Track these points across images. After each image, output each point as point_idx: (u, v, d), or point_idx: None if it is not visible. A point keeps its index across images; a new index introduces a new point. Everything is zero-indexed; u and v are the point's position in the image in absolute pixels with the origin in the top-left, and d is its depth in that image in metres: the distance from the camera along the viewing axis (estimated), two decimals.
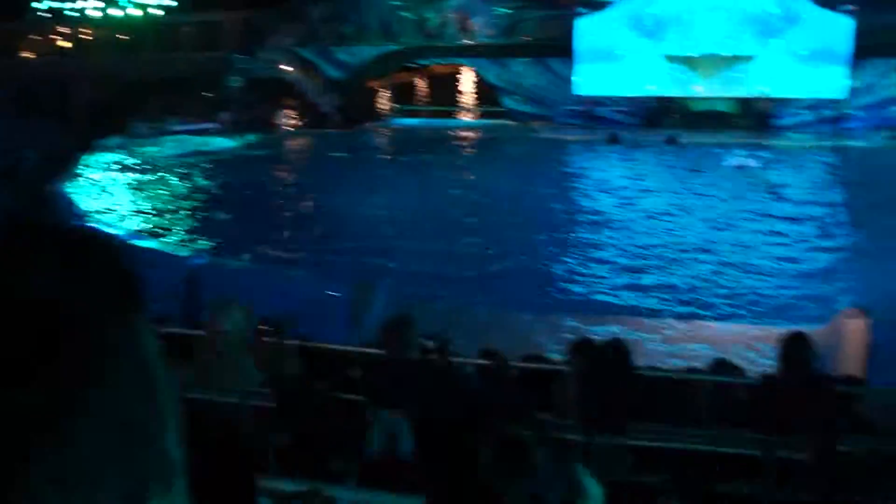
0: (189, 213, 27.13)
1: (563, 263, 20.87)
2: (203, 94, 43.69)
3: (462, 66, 50.26)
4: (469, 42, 45.05)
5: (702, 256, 21.42)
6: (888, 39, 38.91)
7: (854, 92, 39.35)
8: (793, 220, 24.91)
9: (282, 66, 44.66)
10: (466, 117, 48.29)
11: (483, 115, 47.08)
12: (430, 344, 7.02)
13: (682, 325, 16.21)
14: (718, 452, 6.01)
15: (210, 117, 42.38)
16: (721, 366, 8.77)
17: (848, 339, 12.52)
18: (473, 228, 23.81)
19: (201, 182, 32.18)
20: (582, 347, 7.18)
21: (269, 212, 27.04)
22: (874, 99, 39.49)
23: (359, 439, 5.51)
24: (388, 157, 38.16)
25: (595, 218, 25.60)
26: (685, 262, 21.03)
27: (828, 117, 39.55)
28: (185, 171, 33.88)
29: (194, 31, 47.20)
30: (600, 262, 21.05)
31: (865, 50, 38.73)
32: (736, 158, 32.93)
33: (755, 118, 40.13)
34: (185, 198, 29.53)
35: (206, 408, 5.62)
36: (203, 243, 22.94)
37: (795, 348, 6.35)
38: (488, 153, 38.03)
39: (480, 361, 7.93)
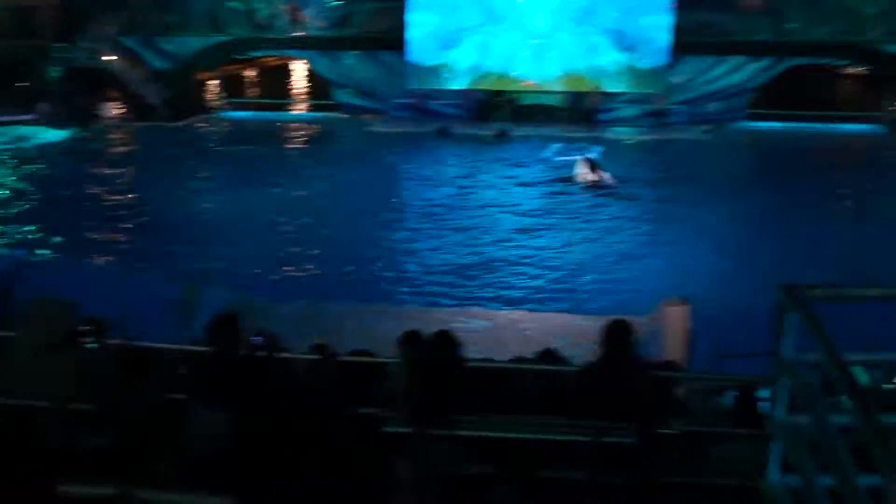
0: (2, 209, 25.79)
1: (392, 259, 20.95)
2: (18, 84, 41.50)
3: (293, 58, 49.54)
4: (300, 34, 44.47)
5: (520, 251, 21.92)
6: (705, 36, 40.94)
7: (674, 88, 41.03)
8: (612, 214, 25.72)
9: (103, 56, 42.90)
10: (298, 110, 47.66)
11: (315, 108, 46.54)
12: (259, 340, 6.88)
13: (509, 316, 16.58)
14: (547, 440, 6.10)
15: (27, 108, 40.30)
16: (547, 355, 8.95)
17: (669, 326, 13.05)
18: (302, 225, 23.68)
19: (14, 176, 30.59)
20: (409, 339, 7.20)
21: (90, 208, 26.02)
22: (693, 94, 41.33)
23: (180, 439, 5.34)
24: (218, 150, 37.32)
25: (422, 212, 25.80)
26: (509, 256, 21.51)
27: (650, 112, 41.06)
28: None
29: (7, 17, 44.75)
30: (427, 257, 21.25)
31: (684, 47, 40.46)
32: (551, 152, 33.92)
33: (582, 112, 41.23)
34: None
35: (12, 412, 5.32)
36: (19, 240, 21.90)
37: (617, 335, 6.52)
38: (319, 147, 37.73)
39: (308, 356, 7.85)
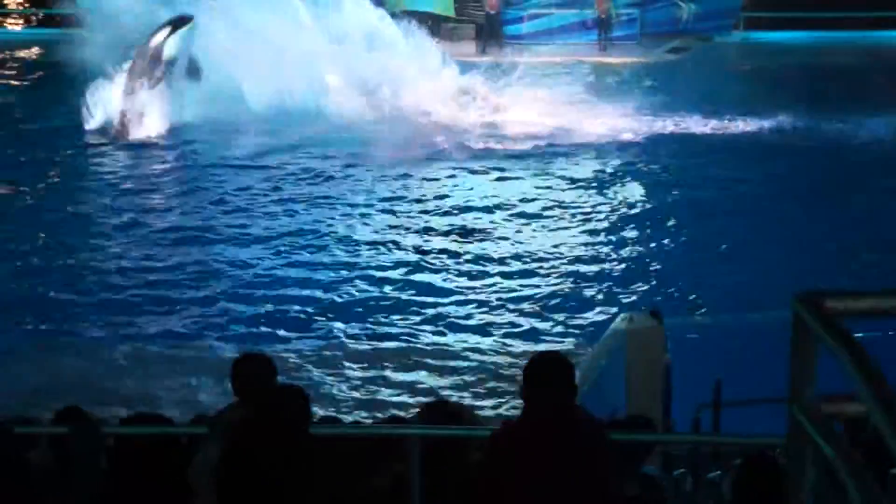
0: None
1: None
2: None
3: None
4: None
5: None
6: None
7: None
8: None
9: None
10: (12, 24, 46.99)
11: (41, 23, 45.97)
12: None
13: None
14: None
15: None
16: (437, 409, 8.96)
17: (633, 357, 13.19)
18: None
19: None
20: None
21: None
22: None
23: None
24: None
25: None
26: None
27: (586, 20, 41.56)
28: None
29: None
30: None
31: None
32: None
33: (480, 22, 41.67)
34: None
35: None
36: None
37: (549, 378, 6.56)
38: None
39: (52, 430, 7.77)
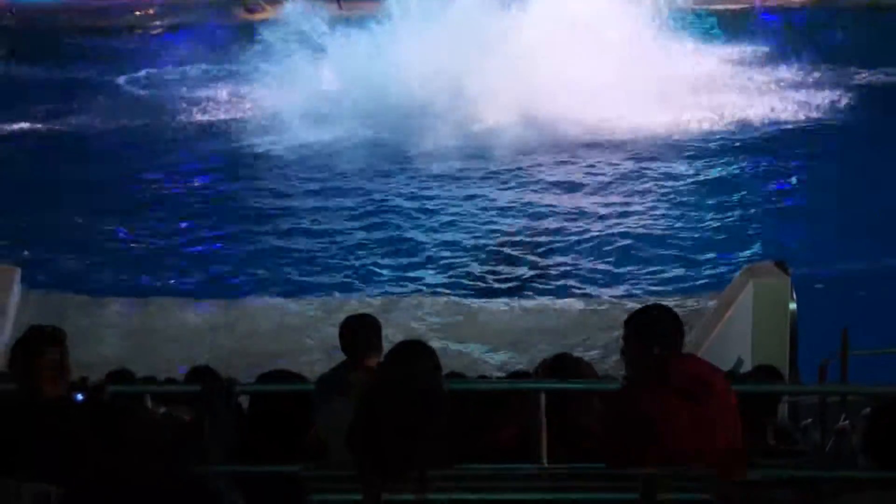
0: None
1: None
2: None
3: None
4: None
5: None
6: None
7: None
8: None
9: None
10: None
11: None
12: (79, 398, 6.88)
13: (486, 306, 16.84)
14: (572, 501, 6.17)
15: None
16: (560, 362, 8.93)
17: (758, 309, 13.10)
18: None
19: None
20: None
21: None
22: None
23: None
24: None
25: None
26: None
27: None
28: None
29: None
30: None
31: None
32: None
33: None
34: None
35: None
36: None
37: (659, 330, 6.49)
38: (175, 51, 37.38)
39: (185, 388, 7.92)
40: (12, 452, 6.05)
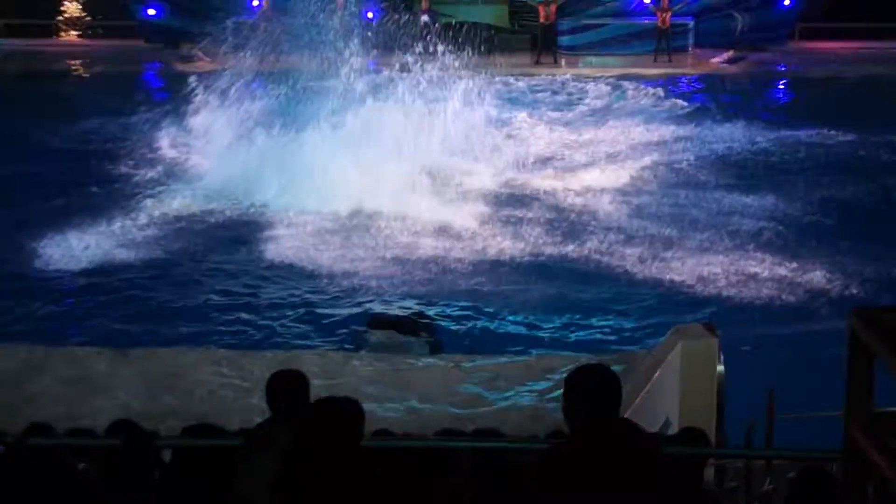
0: None
1: None
2: None
3: None
4: None
5: None
6: None
7: None
8: None
9: None
10: (72, 36, 47.10)
11: (98, 35, 46.01)
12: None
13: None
14: None
15: None
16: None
17: (686, 370, 13.15)
18: None
19: None
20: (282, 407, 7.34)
21: None
22: (707, 2, 41.84)
23: None
24: None
25: None
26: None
27: (640, 31, 41.36)
28: None
29: None
30: None
31: None
32: None
33: (534, 33, 41.50)
34: None
35: None
36: None
37: (592, 390, 6.47)
38: (104, 96, 37.39)
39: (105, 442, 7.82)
40: None
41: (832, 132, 31.33)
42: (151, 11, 43.31)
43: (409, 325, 18.56)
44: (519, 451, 8.63)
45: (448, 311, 19.57)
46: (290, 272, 21.42)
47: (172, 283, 21.00)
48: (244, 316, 19.11)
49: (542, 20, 40.73)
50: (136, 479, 6.36)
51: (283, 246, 22.84)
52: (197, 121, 30.70)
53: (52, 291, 20.62)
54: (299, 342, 17.92)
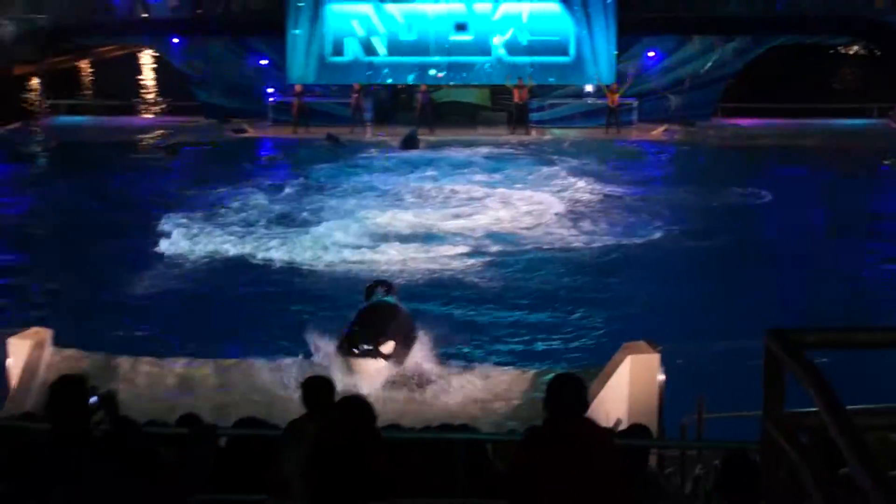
0: None
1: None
2: None
3: (141, 47, 49.14)
4: (146, 16, 44.06)
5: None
6: (661, 11, 41.84)
7: (623, 79, 41.55)
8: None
9: None
10: (148, 114, 47.10)
11: (170, 112, 46.05)
12: (96, 401, 6.76)
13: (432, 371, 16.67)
14: None
15: None
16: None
17: (634, 379, 13.18)
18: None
19: None
20: (314, 402, 7.33)
21: None
22: (649, 86, 41.98)
23: None
24: (42, 166, 37.06)
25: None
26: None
27: (594, 109, 41.47)
28: None
29: None
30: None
31: (635, 24, 41.25)
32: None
33: (509, 111, 41.53)
34: None
35: None
36: None
37: (567, 394, 6.56)
38: (171, 158, 37.63)
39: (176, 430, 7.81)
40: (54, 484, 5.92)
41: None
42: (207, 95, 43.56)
43: None
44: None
45: None
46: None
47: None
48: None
49: (516, 100, 40.83)
50: (199, 461, 6.34)
51: None
52: None
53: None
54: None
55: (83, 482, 5.72)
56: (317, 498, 5.70)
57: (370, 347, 15.90)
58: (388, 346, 16.08)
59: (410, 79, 42.44)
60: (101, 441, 6.12)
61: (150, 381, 16.04)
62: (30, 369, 14.66)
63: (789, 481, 4.50)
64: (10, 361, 14.60)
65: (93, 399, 6.61)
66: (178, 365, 16.53)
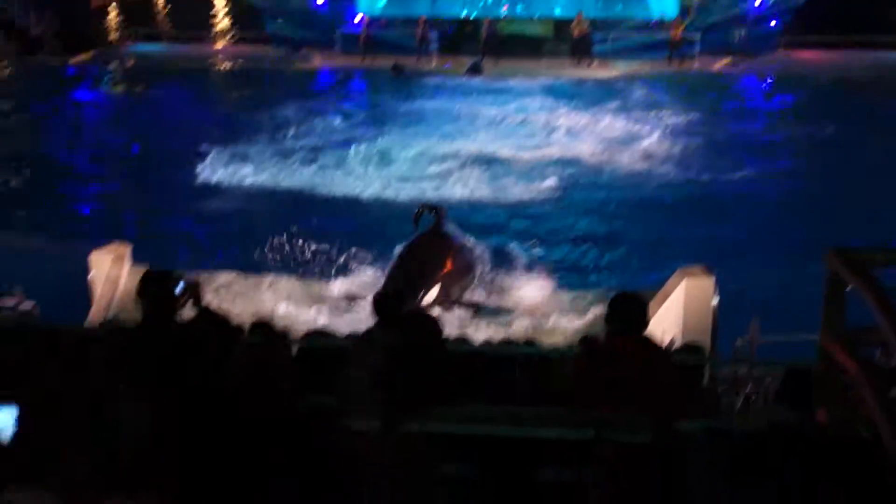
0: None
1: None
2: None
3: None
4: None
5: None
6: None
7: (687, 12, 40.99)
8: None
9: None
10: (220, 44, 47.16)
11: (240, 42, 46.14)
12: (182, 287, 6.94)
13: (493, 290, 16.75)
14: (539, 436, 6.18)
15: None
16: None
17: (689, 301, 13.19)
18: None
19: None
20: (385, 313, 7.45)
21: None
22: (711, 19, 41.36)
23: (103, 434, 5.35)
24: (120, 91, 37.39)
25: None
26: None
27: (658, 41, 40.97)
28: None
29: None
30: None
31: None
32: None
33: (572, 43, 41.14)
34: None
35: None
36: None
37: (627, 312, 6.61)
38: (242, 86, 37.99)
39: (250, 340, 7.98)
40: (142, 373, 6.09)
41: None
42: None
43: None
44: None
45: None
46: None
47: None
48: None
49: (575, 35, 40.48)
50: (269, 367, 6.45)
51: None
52: None
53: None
54: None
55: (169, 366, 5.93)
56: (387, 403, 5.79)
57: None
58: (429, 296, 15.68)
59: (476, 11, 42.19)
60: (187, 325, 6.33)
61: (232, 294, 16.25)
62: (111, 281, 14.89)
63: (843, 396, 4.53)
64: (92, 274, 14.87)
65: (179, 287, 6.83)
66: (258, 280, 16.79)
